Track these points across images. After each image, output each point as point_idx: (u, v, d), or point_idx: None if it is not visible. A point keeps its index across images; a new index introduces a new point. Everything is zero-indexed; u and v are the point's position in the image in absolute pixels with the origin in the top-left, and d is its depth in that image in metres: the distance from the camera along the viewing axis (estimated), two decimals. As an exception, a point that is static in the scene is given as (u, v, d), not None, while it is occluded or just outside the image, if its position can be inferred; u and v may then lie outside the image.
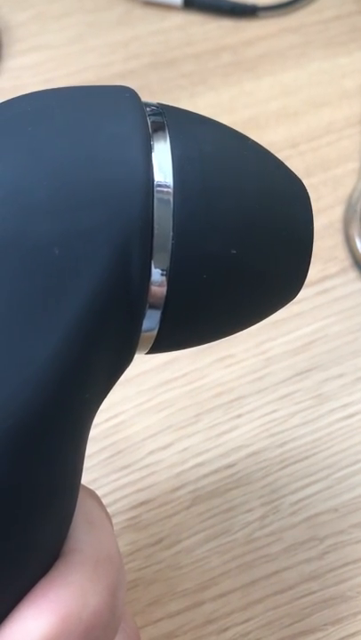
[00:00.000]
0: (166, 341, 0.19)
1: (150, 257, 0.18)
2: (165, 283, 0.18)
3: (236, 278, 0.19)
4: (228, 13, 0.53)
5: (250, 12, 0.53)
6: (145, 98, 0.20)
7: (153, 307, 0.18)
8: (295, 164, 0.45)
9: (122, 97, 0.19)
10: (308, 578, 0.35)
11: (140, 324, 0.18)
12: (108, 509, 0.36)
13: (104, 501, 0.36)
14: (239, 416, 0.38)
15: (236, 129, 0.21)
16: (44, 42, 0.52)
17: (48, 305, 0.17)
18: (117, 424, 0.38)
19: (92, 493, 0.22)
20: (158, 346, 0.19)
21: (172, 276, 0.18)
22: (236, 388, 0.39)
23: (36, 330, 0.17)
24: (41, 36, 0.52)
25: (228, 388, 0.39)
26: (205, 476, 0.37)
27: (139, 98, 0.19)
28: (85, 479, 0.36)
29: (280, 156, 0.21)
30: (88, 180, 0.17)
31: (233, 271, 0.19)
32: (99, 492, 0.36)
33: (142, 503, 0.36)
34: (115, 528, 0.35)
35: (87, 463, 0.36)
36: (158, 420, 0.38)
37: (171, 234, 0.18)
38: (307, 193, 0.21)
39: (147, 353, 0.20)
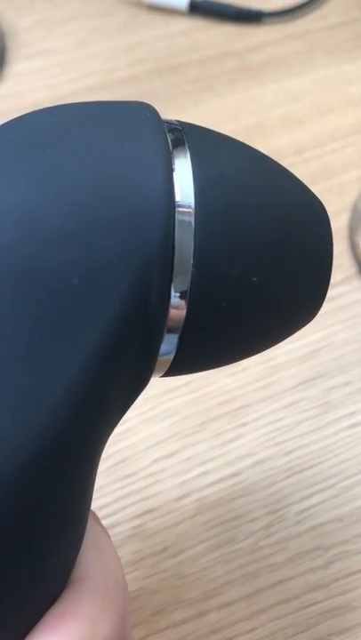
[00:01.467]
0: (182, 365, 0.19)
1: (170, 282, 0.17)
2: (185, 306, 0.17)
3: (256, 305, 0.19)
4: (233, 19, 0.53)
5: (255, 18, 0.53)
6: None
7: (171, 331, 0.18)
8: (300, 171, 0.45)
9: (142, 115, 0.18)
10: (313, 587, 0.35)
11: (158, 350, 0.18)
12: (112, 518, 0.36)
13: (108, 510, 0.36)
14: (244, 424, 0.38)
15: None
16: (49, 47, 0.52)
17: (64, 335, 0.16)
18: (121, 432, 0.38)
19: (93, 515, 0.21)
20: (174, 370, 0.19)
21: (191, 299, 0.17)
22: (242, 397, 0.39)
23: (52, 361, 0.16)
24: (45, 42, 0.52)
25: (234, 397, 0.39)
26: (210, 484, 0.36)
27: (159, 116, 0.19)
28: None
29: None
30: (108, 206, 0.17)
31: (252, 298, 0.18)
32: (102, 501, 0.36)
33: (146, 512, 0.36)
34: (119, 537, 0.35)
35: (92, 471, 0.37)
36: (163, 428, 0.38)
37: (191, 258, 0.17)
38: (326, 214, 0.20)
39: (161, 376, 0.20)
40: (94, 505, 0.36)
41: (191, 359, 0.19)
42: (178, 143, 0.18)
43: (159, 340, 0.18)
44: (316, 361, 0.40)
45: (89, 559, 0.19)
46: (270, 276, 0.18)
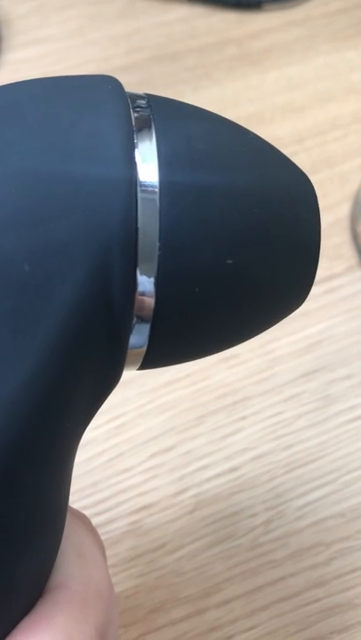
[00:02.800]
0: (158, 357, 0.18)
1: (135, 267, 0.16)
2: (153, 293, 0.16)
3: (233, 290, 0.17)
4: (233, 6, 0.52)
5: (255, 5, 0.52)
6: (147, 91, 0.18)
7: (140, 321, 0.16)
8: (301, 160, 0.44)
9: (103, 88, 0.17)
10: (314, 585, 0.34)
11: (126, 342, 0.17)
12: (109, 513, 0.35)
13: (104, 506, 0.35)
14: (243, 418, 0.37)
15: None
16: (45, 35, 0.51)
17: (18, 328, 0.15)
18: (118, 426, 0.37)
19: (84, 520, 0.21)
20: (149, 362, 0.18)
21: (160, 286, 0.16)
22: (241, 390, 0.38)
23: (5, 356, 0.15)
24: (42, 29, 0.51)
25: (233, 390, 0.38)
26: (209, 479, 0.36)
27: (122, 89, 0.17)
28: (86, 482, 0.36)
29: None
30: (61, 186, 0.15)
31: (229, 282, 0.17)
32: (99, 496, 0.35)
33: (144, 507, 0.35)
34: (115, 533, 0.34)
35: (87, 466, 0.36)
36: (160, 422, 0.37)
37: (157, 241, 0.16)
38: (313, 192, 0.19)
39: (138, 369, 0.18)
40: (90, 500, 0.35)
41: (166, 350, 0.18)
42: (142, 117, 0.17)
43: (126, 331, 0.17)
44: (317, 353, 0.39)
45: (69, 567, 0.18)
46: (248, 258, 0.17)
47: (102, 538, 0.34)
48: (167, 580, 0.34)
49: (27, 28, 0.51)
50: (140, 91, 0.18)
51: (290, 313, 0.20)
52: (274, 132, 0.46)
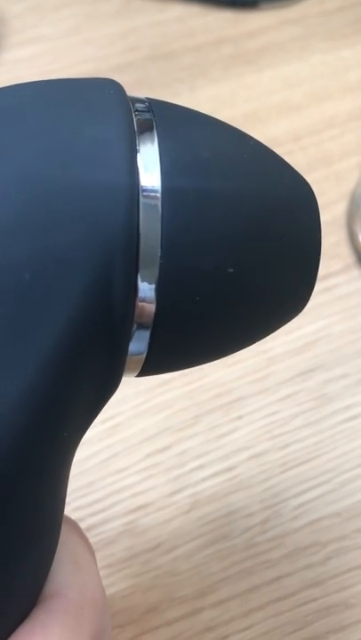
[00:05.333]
0: (157, 364, 0.18)
1: (136, 274, 0.16)
2: (154, 300, 0.16)
3: (234, 298, 0.17)
4: (229, 5, 0.52)
5: (251, 4, 0.52)
6: (143, 91, 0.18)
7: (140, 328, 0.16)
8: (297, 159, 0.44)
9: (105, 93, 0.17)
10: (310, 584, 0.34)
11: (126, 349, 0.17)
12: (104, 514, 0.35)
13: (99, 506, 0.35)
14: (239, 417, 0.37)
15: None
16: (41, 34, 0.51)
17: (18, 336, 0.15)
18: (114, 426, 0.37)
19: (74, 526, 0.20)
20: (148, 369, 0.18)
21: (160, 293, 0.16)
22: (237, 389, 0.38)
23: (4, 364, 0.15)
24: (38, 28, 0.51)
25: (229, 389, 0.38)
26: (205, 479, 0.36)
27: (125, 93, 0.17)
28: (81, 482, 0.35)
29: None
30: (63, 192, 0.15)
31: (229, 290, 0.17)
32: (94, 496, 0.35)
33: (140, 507, 0.35)
34: (111, 533, 0.34)
35: (83, 466, 0.36)
36: (156, 421, 0.37)
37: (159, 248, 0.16)
38: (314, 199, 0.19)
39: (137, 376, 0.18)
40: (85, 500, 0.35)
41: (166, 357, 0.18)
42: (145, 122, 0.16)
43: (126, 339, 0.16)
44: (313, 352, 0.39)
45: (64, 575, 0.18)
46: (249, 267, 0.17)
47: (98, 538, 0.34)
48: (163, 580, 0.34)
49: (23, 28, 0.51)
50: (139, 92, 0.18)
51: (290, 319, 0.20)
52: (270, 131, 0.46)
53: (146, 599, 0.33)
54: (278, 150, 0.19)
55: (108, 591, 0.33)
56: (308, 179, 0.20)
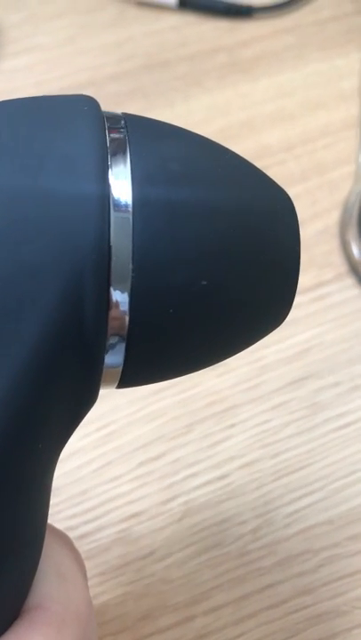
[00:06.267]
0: (135, 376, 0.18)
1: (108, 287, 0.16)
2: (127, 314, 0.16)
3: (209, 310, 0.17)
4: (224, 14, 0.52)
5: (245, 13, 0.52)
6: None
7: (116, 340, 0.16)
8: (291, 168, 0.45)
9: (78, 110, 0.17)
10: (302, 592, 0.34)
11: (101, 362, 0.17)
12: (97, 521, 0.35)
13: (93, 514, 0.35)
14: (232, 426, 0.37)
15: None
16: (37, 43, 0.51)
17: None
18: (108, 434, 0.37)
19: (63, 539, 0.20)
20: (127, 381, 0.18)
21: (134, 306, 0.16)
22: (230, 397, 0.38)
23: None
24: (34, 38, 0.51)
25: (221, 397, 0.38)
26: (197, 487, 0.36)
27: (99, 110, 0.17)
28: (74, 490, 0.36)
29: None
30: (33, 204, 0.15)
31: (204, 302, 0.17)
32: (87, 504, 0.35)
33: (133, 515, 0.35)
34: (104, 541, 0.34)
35: (76, 474, 0.36)
36: (149, 430, 0.37)
37: (131, 261, 0.16)
38: (293, 210, 0.19)
39: (117, 387, 0.18)
40: (78, 508, 0.35)
41: (143, 369, 0.18)
42: (117, 138, 0.16)
43: (100, 351, 0.16)
44: (306, 361, 0.39)
45: (47, 587, 0.18)
46: (223, 279, 0.17)
47: (91, 546, 0.35)
48: (156, 588, 0.34)
49: (19, 37, 0.51)
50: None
51: (269, 332, 0.19)
52: (264, 140, 0.46)
53: (139, 607, 0.33)
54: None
55: (101, 599, 0.34)
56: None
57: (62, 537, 0.21)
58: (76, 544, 0.22)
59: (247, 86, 0.49)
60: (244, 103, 0.48)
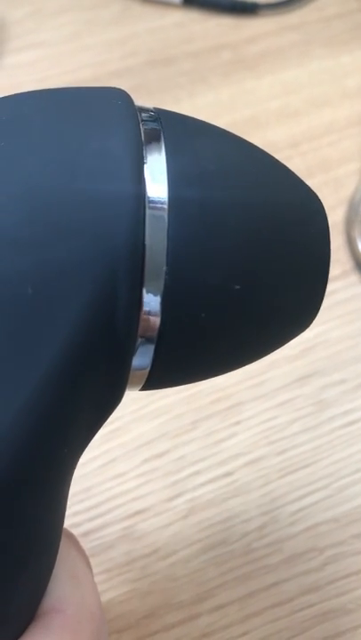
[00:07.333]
0: (161, 379, 0.17)
1: (141, 286, 0.15)
2: (158, 315, 0.16)
3: (240, 314, 0.17)
4: (229, 11, 0.52)
5: (250, 10, 0.52)
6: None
7: (144, 343, 0.16)
8: (296, 165, 0.44)
9: (113, 103, 0.17)
10: (307, 590, 0.34)
11: (129, 364, 0.16)
12: (102, 519, 0.35)
13: (97, 511, 0.35)
14: (237, 423, 0.37)
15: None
16: (41, 39, 0.51)
17: (19, 351, 0.15)
18: (112, 431, 0.37)
19: (70, 538, 0.20)
20: (151, 384, 0.17)
21: (165, 308, 0.16)
22: (235, 394, 0.38)
23: (6, 380, 0.14)
24: (37, 34, 0.51)
25: (226, 394, 0.38)
26: (202, 484, 0.36)
27: (132, 103, 0.17)
28: (79, 487, 0.35)
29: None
30: (67, 203, 0.15)
31: (236, 307, 0.16)
32: (92, 502, 0.35)
33: (137, 512, 0.35)
34: (109, 538, 0.34)
35: (80, 471, 0.36)
36: (154, 427, 0.37)
37: (165, 259, 0.15)
38: (323, 211, 0.18)
39: (140, 390, 0.18)
40: (83, 505, 0.35)
41: (170, 372, 0.17)
42: (152, 133, 0.16)
43: (130, 353, 0.16)
44: (311, 358, 0.39)
45: (62, 589, 0.18)
46: (257, 284, 0.16)
47: (96, 543, 0.34)
48: (161, 586, 0.34)
49: (22, 33, 0.51)
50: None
51: (297, 335, 0.19)
52: (269, 137, 0.46)
53: (144, 604, 0.33)
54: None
55: (106, 596, 0.33)
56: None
57: (68, 536, 0.20)
58: (80, 541, 0.21)
59: (252, 83, 0.49)
60: (250, 100, 0.48)
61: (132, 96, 0.18)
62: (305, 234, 0.18)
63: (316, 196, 0.19)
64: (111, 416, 0.38)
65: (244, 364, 0.19)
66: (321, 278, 0.18)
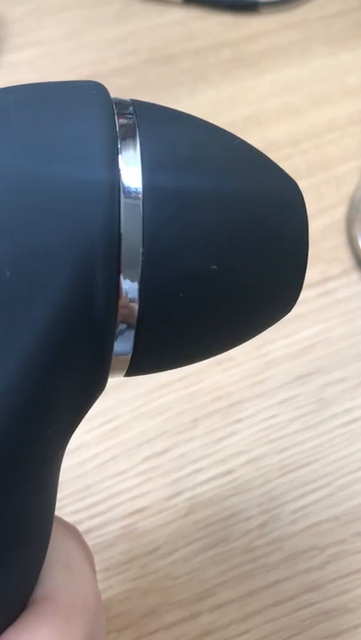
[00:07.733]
0: (144, 364, 0.18)
1: (118, 273, 0.16)
2: (137, 300, 0.16)
3: (219, 295, 0.17)
4: (229, 8, 0.52)
5: (251, 8, 0.52)
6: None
7: (125, 327, 0.16)
8: (297, 163, 0.44)
9: (88, 94, 0.17)
10: (308, 588, 0.34)
11: (110, 349, 0.17)
12: (102, 517, 0.35)
13: (97, 509, 0.35)
14: (238, 421, 0.37)
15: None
16: (41, 37, 0.51)
17: None
18: (112, 429, 0.37)
19: (73, 532, 0.20)
20: (135, 369, 0.18)
21: (144, 292, 0.16)
22: (235, 392, 0.38)
23: None
24: (38, 31, 0.51)
25: (227, 392, 0.38)
26: (203, 482, 0.36)
27: (107, 95, 0.17)
28: (79, 485, 0.35)
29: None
30: (44, 188, 0.15)
31: (214, 289, 0.17)
32: (92, 499, 0.35)
33: (138, 510, 0.35)
34: (109, 537, 0.34)
35: (81, 469, 0.36)
36: (154, 424, 0.37)
37: (141, 246, 0.16)
38: (301, 196, 0.19)
39: (125, 376, 0.18)
40: (83, 504, 0.35)
41: (153, 357, 0.18)
42: (127, 122, 0.16)
43: (110, 338, 0.16)
44: (312, 356, 0.39)
45: (55, 578, 0.18)
46: (233, 264, 0.17)
47: (96, 541, 0.34)
48: (161, 584, 0.34)
49: (23, 31, 0.51)
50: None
51: (279, 319, 0.19)
52: (270, 135, 0.46)
53: (143, 603, 0.33)
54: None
55: (106, 595, 0.33)
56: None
57: (70, 529, 0.20)
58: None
59: (253, 81, 0.49)
60: (250, 98, 0.48)
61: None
62: (282, 219, 0.18)
63: (295, 184, 0.19)
64: (111, 414, 0.38)
65: (228, 348, 0.19)
66: (300, 261, 0.18)
